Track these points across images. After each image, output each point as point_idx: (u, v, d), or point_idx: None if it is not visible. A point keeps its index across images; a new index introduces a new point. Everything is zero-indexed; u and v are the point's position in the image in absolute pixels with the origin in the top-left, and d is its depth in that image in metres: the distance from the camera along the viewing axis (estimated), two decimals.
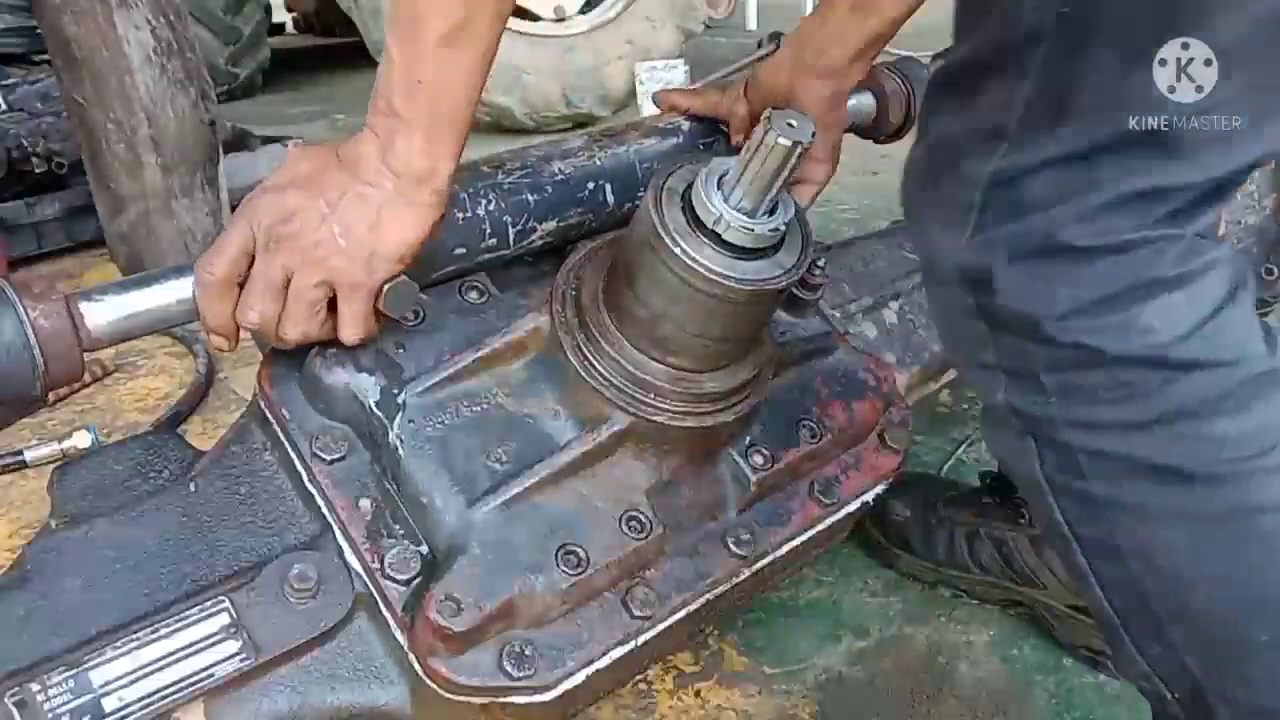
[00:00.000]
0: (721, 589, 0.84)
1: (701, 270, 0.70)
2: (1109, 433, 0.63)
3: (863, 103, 1.12)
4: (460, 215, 0.81)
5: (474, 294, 0.86)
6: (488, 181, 0.84)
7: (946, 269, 0.67)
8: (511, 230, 0.85)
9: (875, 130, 1.17)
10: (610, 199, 0.90)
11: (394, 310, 0.74)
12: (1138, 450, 0.62)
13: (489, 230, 0.83)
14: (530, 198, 0.85)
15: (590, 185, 0.89)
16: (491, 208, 0.83)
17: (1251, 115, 0.57)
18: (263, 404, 0.81)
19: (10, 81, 2.50)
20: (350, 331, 0.75)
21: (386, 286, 0.73)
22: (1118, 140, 0.58)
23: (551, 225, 0.87)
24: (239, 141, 2.59)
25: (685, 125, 0.98)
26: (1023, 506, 1.11)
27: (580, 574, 0.75)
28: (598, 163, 0.90)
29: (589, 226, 0.90)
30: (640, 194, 0.89)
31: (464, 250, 0.83)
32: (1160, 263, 0.60)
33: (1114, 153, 0.58)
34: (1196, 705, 0.67)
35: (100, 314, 0.69)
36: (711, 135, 1.00)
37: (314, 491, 0.78)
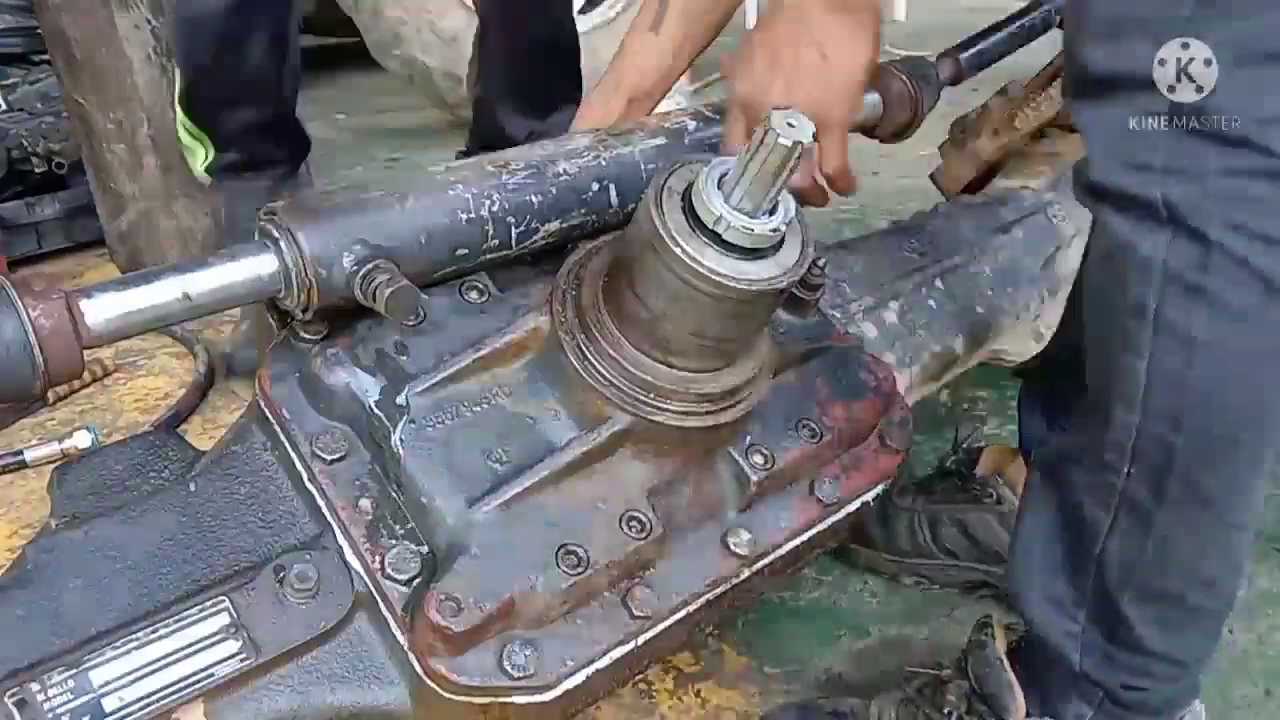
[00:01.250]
0: (721, 589, 0.84)
1: (702, 270, 0.70)
2: (1259, 243, 0.64)
3: (868, 101, 1.11)
4: (464, 216, 0.81)
5: (474, 294, 0.86)
6: (492, 182, 0.84)
7: (1141, 67, 0.65)
8: (514, 231, 0.85)
9: (879, 129, 1.16)
10: (614, 200, 0.90)
11: (395, 313, 0.74)
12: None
13: (492, 231, 0.83)
14: (534, 199, 0.85)
15: (595, 186, 0.89)
16: (495, 209, 0.83)
17: None
18: (263, 404, 0.81)
19: (10, 81, 2.50)
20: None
21: (388, 291, 0.73)
22: None
23: (555, 226, 0.87)
24: None
25: (691, 124, 0.98)
26: (987, 487, 1.13)
27: (580, 574, 0.75)
28: (602, 163, 0.90)
29: (592, 227, 0.90)
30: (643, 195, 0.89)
31: (466, 251, 0.83)
32: None
33: None
34: (1154, 483, 0.72)
35: (100, 311, 0.69)
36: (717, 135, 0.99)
37: (314, 491, 0.78)
